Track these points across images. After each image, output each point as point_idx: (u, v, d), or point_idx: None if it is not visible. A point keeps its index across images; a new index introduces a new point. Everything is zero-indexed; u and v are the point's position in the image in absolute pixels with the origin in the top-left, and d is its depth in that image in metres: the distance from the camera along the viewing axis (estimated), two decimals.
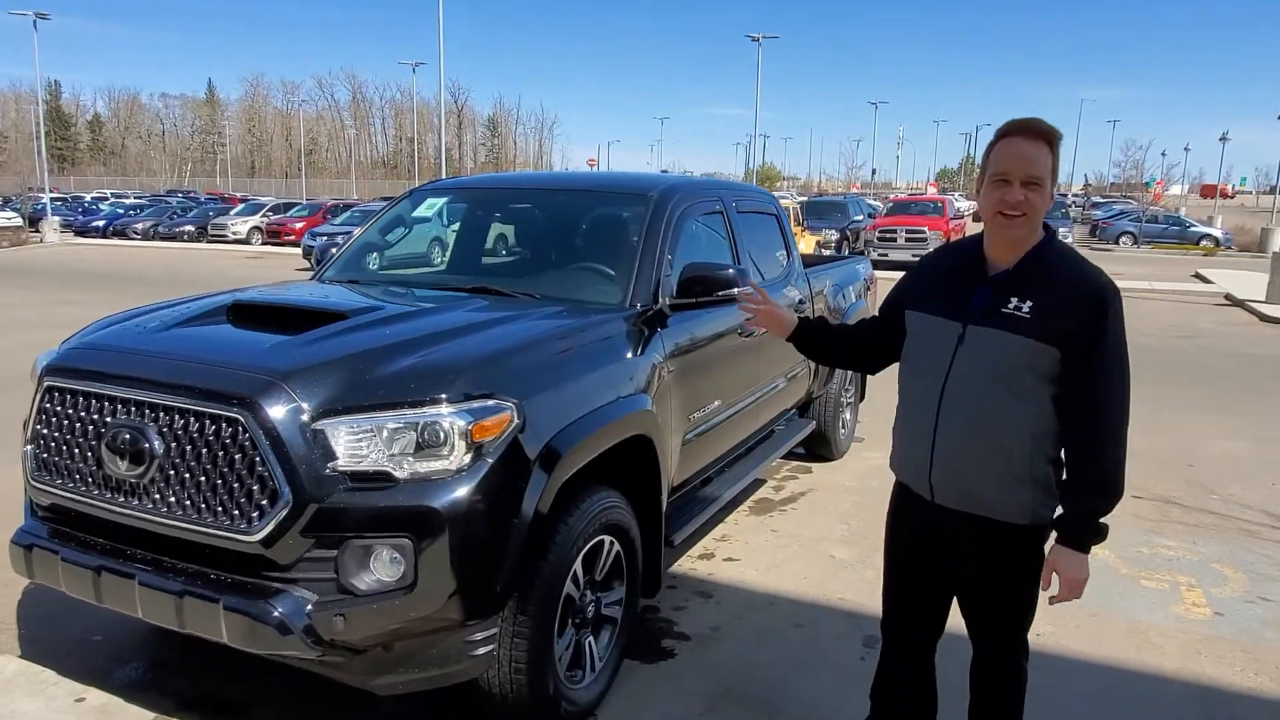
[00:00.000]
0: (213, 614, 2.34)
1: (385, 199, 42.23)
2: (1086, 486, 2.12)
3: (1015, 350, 2.08)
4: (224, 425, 2.39)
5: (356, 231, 4.42)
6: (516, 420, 2.53)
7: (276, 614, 2.31)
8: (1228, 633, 3.77)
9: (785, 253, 5.07)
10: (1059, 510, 2.19)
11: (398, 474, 2.38)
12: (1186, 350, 11.37)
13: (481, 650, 2.54)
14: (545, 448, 2.61)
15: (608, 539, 2.98)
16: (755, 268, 4.43)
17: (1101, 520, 2.13)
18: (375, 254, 4.19)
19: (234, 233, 29.34)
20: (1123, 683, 3.38)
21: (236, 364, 2.51)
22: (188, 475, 2.43)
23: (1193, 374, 9.71)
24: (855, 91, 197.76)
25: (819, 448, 5.91)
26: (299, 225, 27.39)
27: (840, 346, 2.60)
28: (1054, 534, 2.19)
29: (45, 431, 2.70)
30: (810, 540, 4.72)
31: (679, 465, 3.57)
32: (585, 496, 2.81)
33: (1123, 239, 35.69)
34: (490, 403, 2.49)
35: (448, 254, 4.21)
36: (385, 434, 2.39)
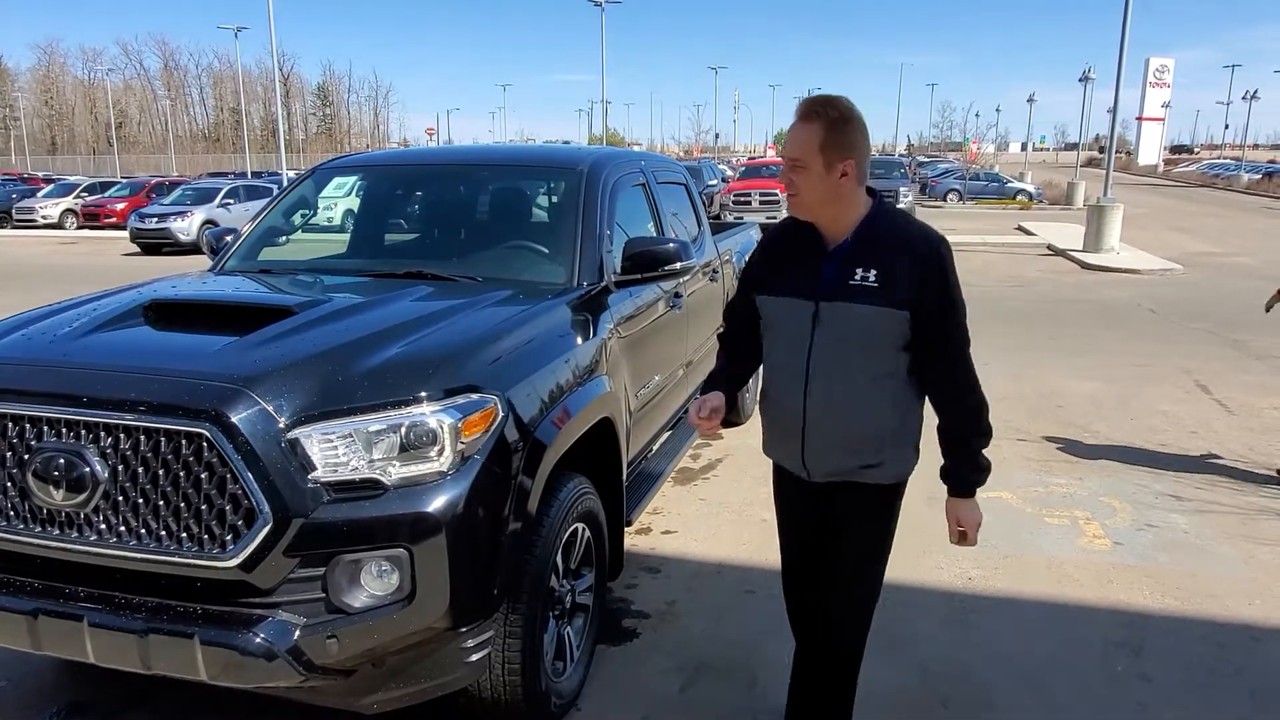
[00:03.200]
0: (186, 650, 2.11)
1: (214, 174, 39.33)
2: (965, 434, 2.22)
3: (870, 320, 2.13)
4: (185, 442, 2.14)
5: (243, 225, 4.06)
6: (501, 414, 2.40)
7: (261, 643, 2.10)
8: (1130, 560, 4.11)
9: (696, 221, 5.07)
10: (942, 463, 2.28)
11: (385, 480, 2.21)
12: (1023, 299, 12.29)
13: (476, 656, 2.42)
14: (530, 440, 2.50)
15: (581, 526, 2.91)
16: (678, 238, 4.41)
17: (982, 458, 2.24)
18: (280, 239, 3.86)
19: (44, 216, 26.49)
20: (1053, 615, 3.63)
21: (191, 372, 2.24)
22: (142, 500, 2.16)
23: (1033, 321, 10.50)
24: (695, 57, 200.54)
25: (727, 414, 5.96)
26: (120, 206, 25.10)
27: (745, 364, 2.56)
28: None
29: None
30: (739, 506, 4.79)
31: (630, 443, 3.53)
32: (561, 486, 2.73)
33: (950, 196, 38.00)
34: (475, 397, 2.35)
35: (365, 237, 3.93)
36: (367, 439, 2.21)
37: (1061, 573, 3.98)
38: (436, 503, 2.21)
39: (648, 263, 3.42)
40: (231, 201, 21.37)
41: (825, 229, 2.20)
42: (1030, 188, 39.31)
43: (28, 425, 2.25)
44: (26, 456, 2.23)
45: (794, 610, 2.63)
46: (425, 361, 2.38)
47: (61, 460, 2.18)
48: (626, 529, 3.48)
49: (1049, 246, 20.02)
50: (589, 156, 3.85)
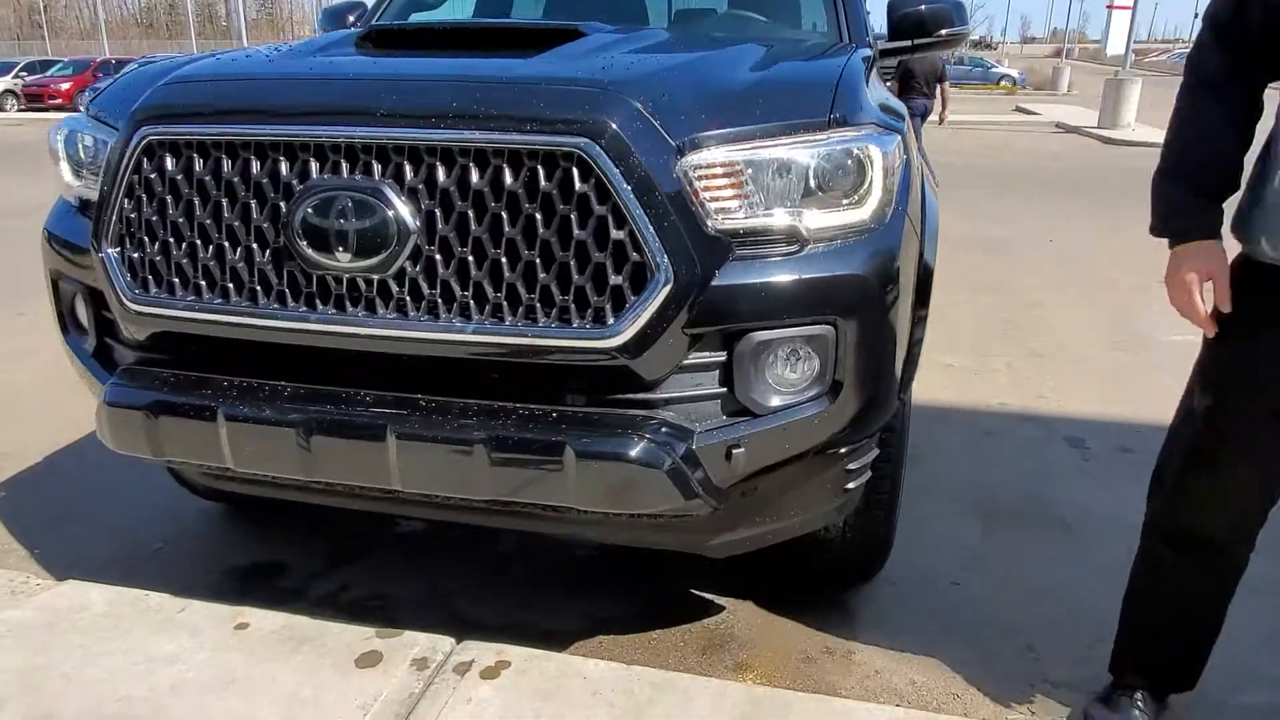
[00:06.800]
0: (551, 468, 1.50)
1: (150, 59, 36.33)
2: None
3: None
4: (545, 167, 1.46)
5: None
6: (904, 155, 1.77)
7: (653, 452, 1.49)
8: None
9: None
10: None
11: (803, 231, 1.57)
12: (1064, 170, 11.74)
13: (854, 484, 1.83)
14: (924, 196, 1.89)
15: None
16: None
17: None
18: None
19: None
20: None
21: (536, 76, 1.55)
22: (474, 259, 1.50)
23: (1090, 190, 9.97)
24: None
25: None
26: (65, 86, 23.22)
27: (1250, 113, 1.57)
28: None
29: (154, 219, 1.64)
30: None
31: None
32: None
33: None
34: (882, 128, 1.69)
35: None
36: (774, 172, 1.55)
37: None
38: (870, 263, 1.59)
39: (918, 26, 2.73)
40: None
41: None
42: (1014, 73, 38.79)
43: (284, 158, 1.54)
44: (285, 204, 1.54)
45: (1196, 517, 1.66)
46: (819, 80, 1.71)
47: (349, 203, 1.49)
48: None
49: (1058, 124, 19.44)
50: None
